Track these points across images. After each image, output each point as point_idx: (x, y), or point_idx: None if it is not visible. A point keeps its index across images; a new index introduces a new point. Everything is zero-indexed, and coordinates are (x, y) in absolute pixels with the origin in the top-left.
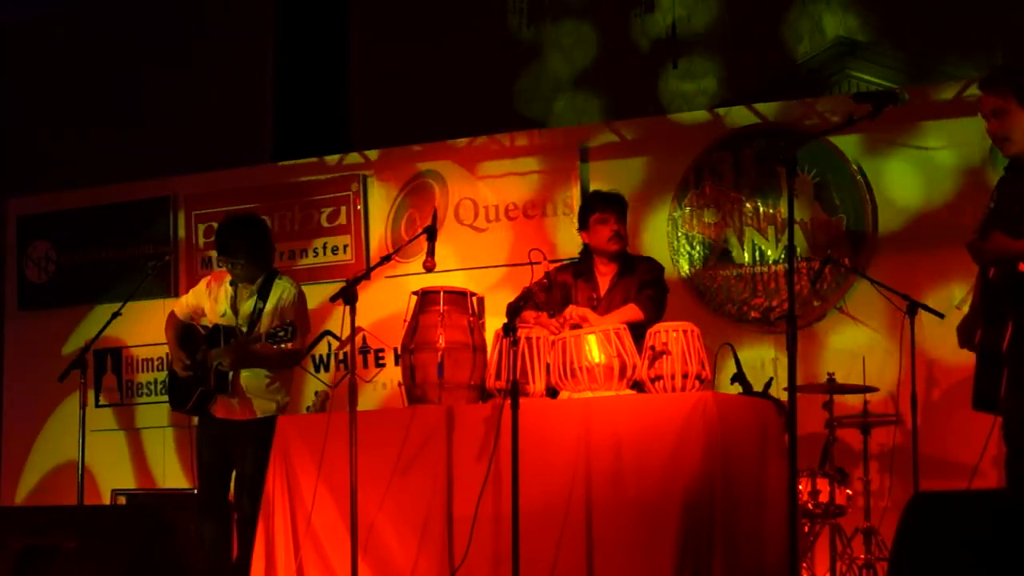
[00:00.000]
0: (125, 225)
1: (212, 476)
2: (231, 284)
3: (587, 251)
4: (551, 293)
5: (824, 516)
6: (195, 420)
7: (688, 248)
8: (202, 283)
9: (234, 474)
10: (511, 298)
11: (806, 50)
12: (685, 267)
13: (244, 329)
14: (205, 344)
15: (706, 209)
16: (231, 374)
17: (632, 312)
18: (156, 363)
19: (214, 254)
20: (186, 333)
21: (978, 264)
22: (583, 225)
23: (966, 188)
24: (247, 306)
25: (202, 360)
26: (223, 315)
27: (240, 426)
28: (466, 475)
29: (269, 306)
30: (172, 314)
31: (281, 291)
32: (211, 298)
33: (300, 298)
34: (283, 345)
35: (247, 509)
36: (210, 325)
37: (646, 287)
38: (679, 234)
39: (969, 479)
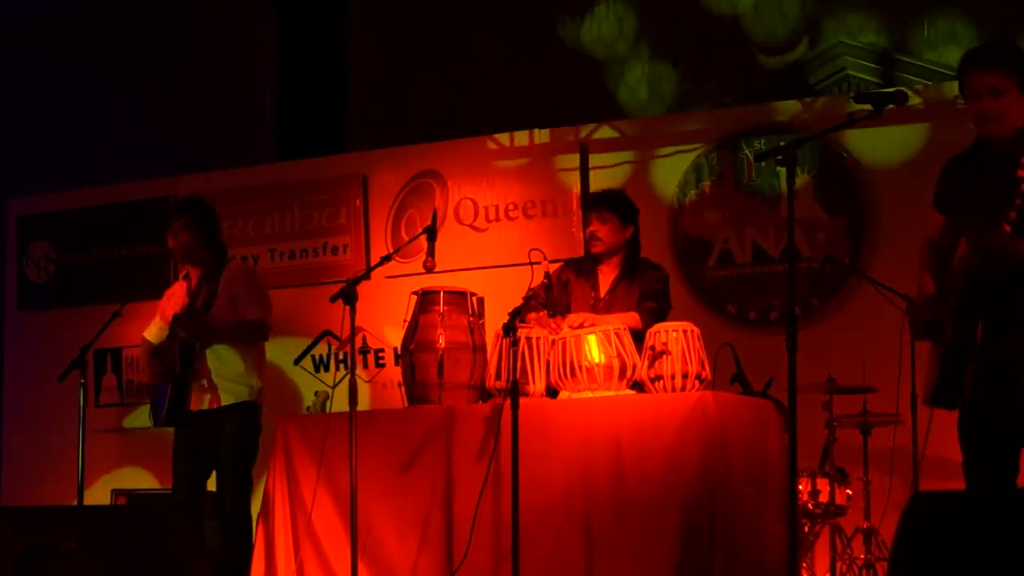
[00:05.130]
0: (125, 225)
1: (188, 478)
2: (185, 278)
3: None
4: (552, 292)
5: (824, 516)
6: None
7: (688, 248)
8: (162, 298)
9: (215, 473)
10: (510, 298)
11: (806, 50)
12: (685, 267)
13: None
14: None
15: (706, 209)
16: (195, 353)
17: (631, 320)
18: None
19: None
20: (156, 351)
21: (975, 253)
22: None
23: None
24: (202, 291)
25: (167, 354)
26: (181, 307)
27: (214, 415)
28: (466, 475)
29: (221, 286)
30: (144, 340)
31: (230, 271)
32: (171, 303)
33: (248, 272)
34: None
35: (229, 505)
36: None
37: (650, 298)
38: (679, 234)
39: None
